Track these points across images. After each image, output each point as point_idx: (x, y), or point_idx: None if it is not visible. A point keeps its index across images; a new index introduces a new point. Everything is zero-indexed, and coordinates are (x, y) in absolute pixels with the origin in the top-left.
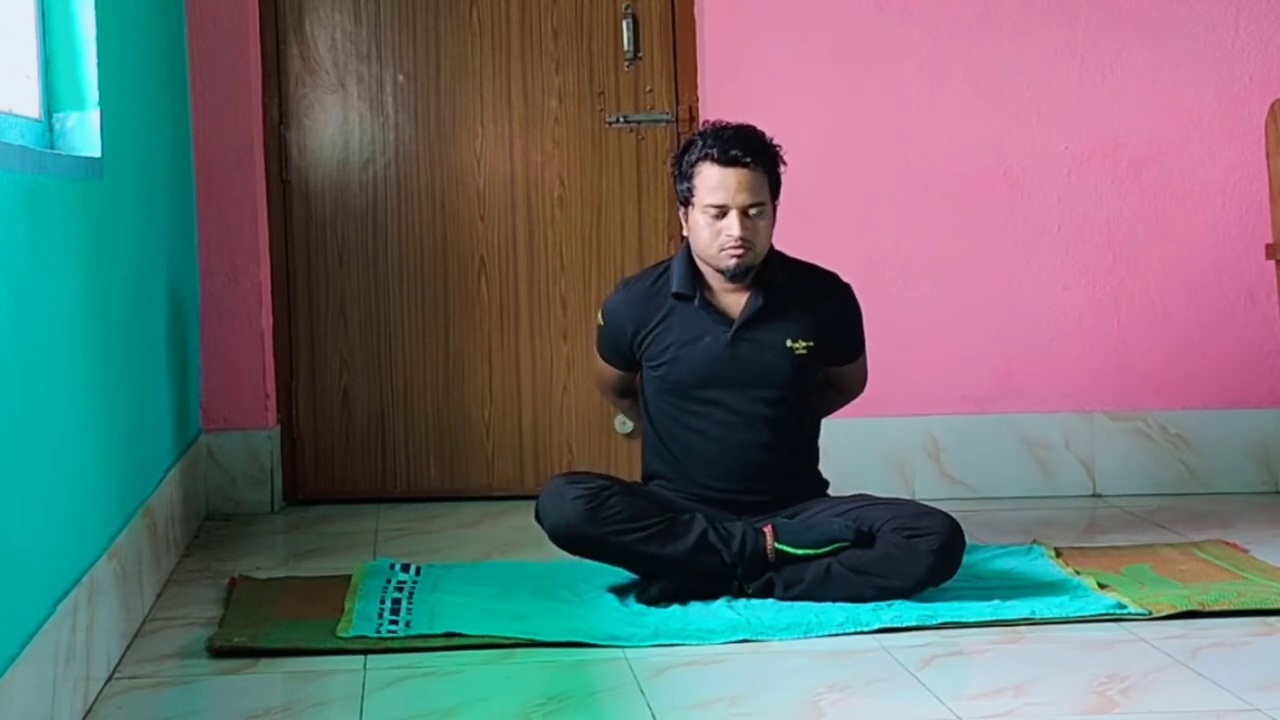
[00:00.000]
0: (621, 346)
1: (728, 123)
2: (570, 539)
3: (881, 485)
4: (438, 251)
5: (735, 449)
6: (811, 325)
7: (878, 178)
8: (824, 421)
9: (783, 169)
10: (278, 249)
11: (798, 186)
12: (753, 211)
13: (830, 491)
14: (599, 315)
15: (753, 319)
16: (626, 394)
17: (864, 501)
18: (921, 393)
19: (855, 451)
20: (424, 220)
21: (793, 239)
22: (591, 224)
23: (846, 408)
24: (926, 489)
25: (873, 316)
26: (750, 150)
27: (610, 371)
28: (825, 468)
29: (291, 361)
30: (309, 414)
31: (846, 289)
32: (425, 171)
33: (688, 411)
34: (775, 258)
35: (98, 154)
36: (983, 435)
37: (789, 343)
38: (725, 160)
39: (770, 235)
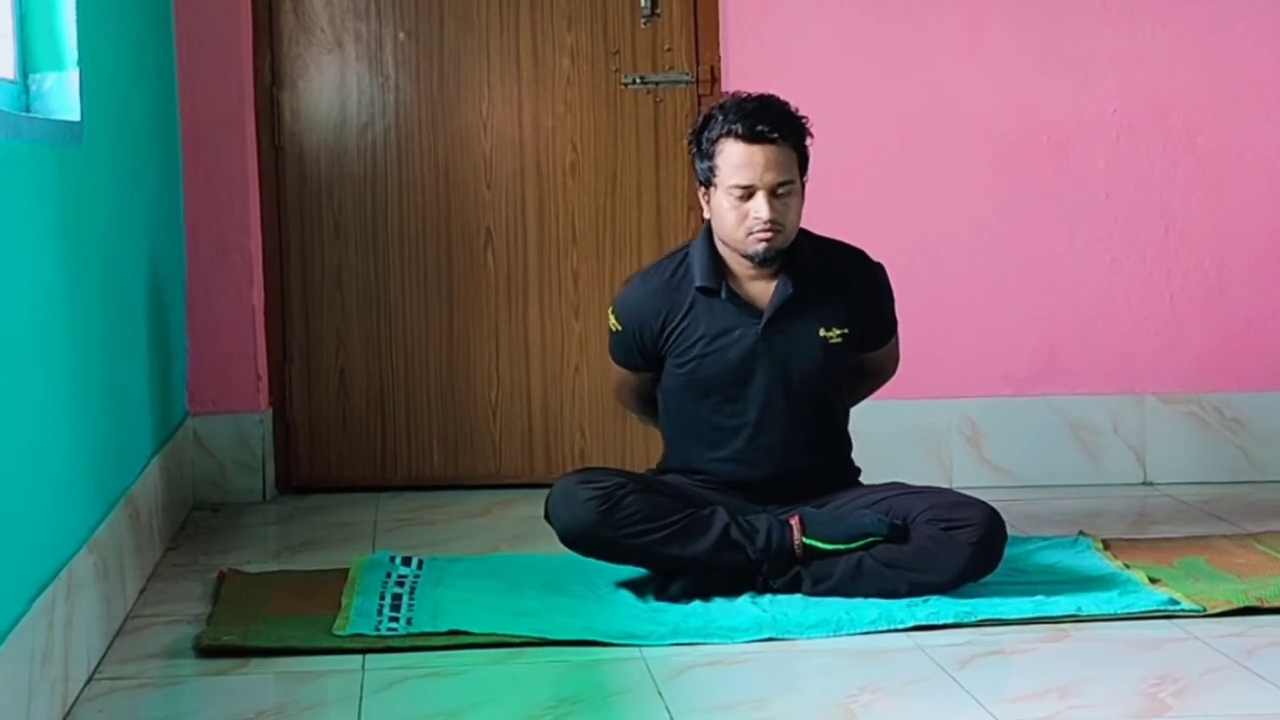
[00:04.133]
0: (646, 345)
1: (748, 93)
2: (583, 542)
3: (917, 472)
4: (441, 222)
5: (764, 449)
6: (844, 312)
7: (912, 143)
8: (855, 405)
9: (810, 141)
10: (269, 219)
11: (827, 153)
12: (781, 190)
13: (862, 479)
14: (612, 318)
15: (783, 309)
16: (653, 399)
17: (897, 490)
18: (959, 373)
19: (888, 436)
20: (426, 188)
21: (822, 210)
22: (606, 193)
23: (877, 390)
24: (964, 477)
25: (907, 292)
26: (777, 125)
27: (633, 377)
28: (856, 453)
29: (284, 340)
30: (303, 396)
31: (878, 269)
32: (428, 136)
33: (716, 410)
34: (803, 238)
35: (76, 117)
36: (1025, 419)
37: (822, 332)
38: (751, 136)
39: (800, 215)
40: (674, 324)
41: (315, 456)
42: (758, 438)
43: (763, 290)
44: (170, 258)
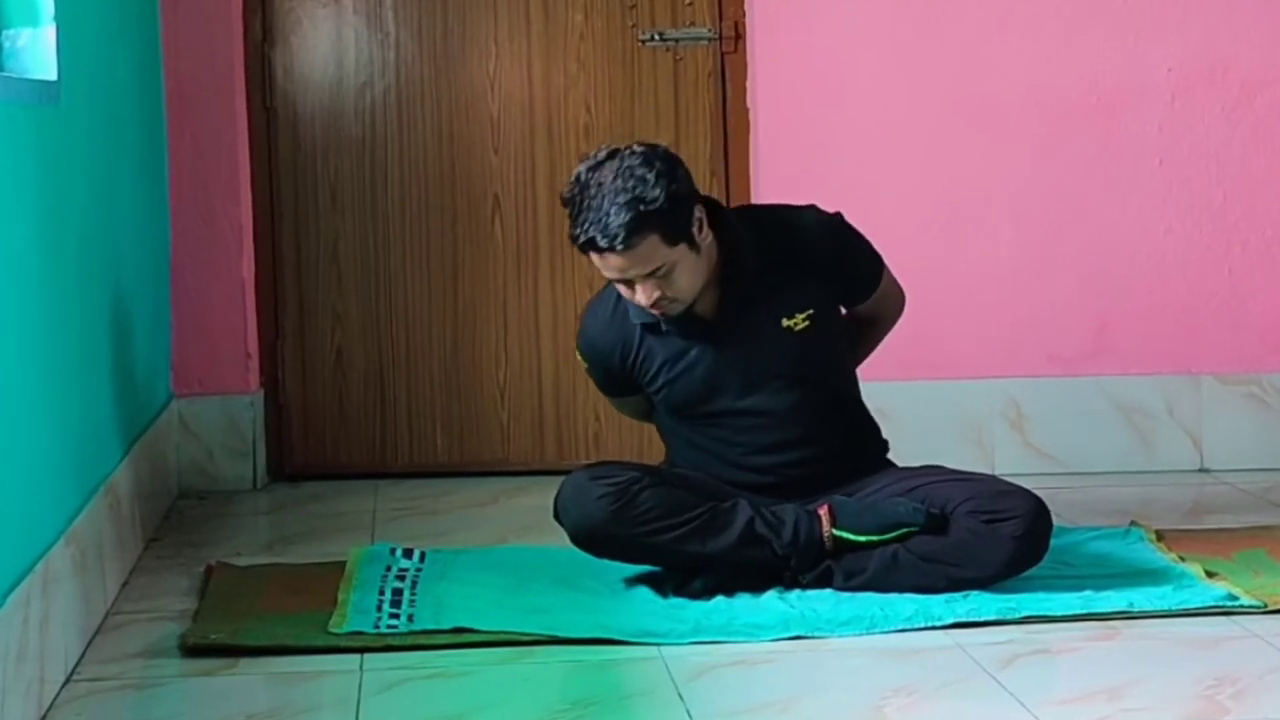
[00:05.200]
0: (616, 376)
1: (604, 158)
2: (595, 541)
3: (956, 458)
4: (445, 189)
5: (767, 450)
6: (802, 292)
7: (951, 106)
8: (888, 385)
9: (685, 192)
10: (260, 186)
11: (859, 118)
12: (658, 273)
13: (892, 455)
14: (579, 354)
15: (732, 315)
16: (650, 413)
17: (935, 476)
18: (1002, 352)
19: (925, 420)
20: (429, 153)
21: (854, 180)
22: None
23: (890, 332)
24: (1008, 462)
25: (946, 265)
26: (619, 235)
27: (623, 401)
28: (890, 438)
29: (276, 316)
30: (296, 377)
31: (824, 227)
32: (431, 97)
33: (708, 426)
34: (739, 227)
35: (53, 76)
36: (1072, 401)
37: (785, 322)
38: (594, 250)
39: (693, 275)
40: (632, 355)
41: (310, 441)
42: (758, 443)
43: (707, 302)
44: (154, 228)
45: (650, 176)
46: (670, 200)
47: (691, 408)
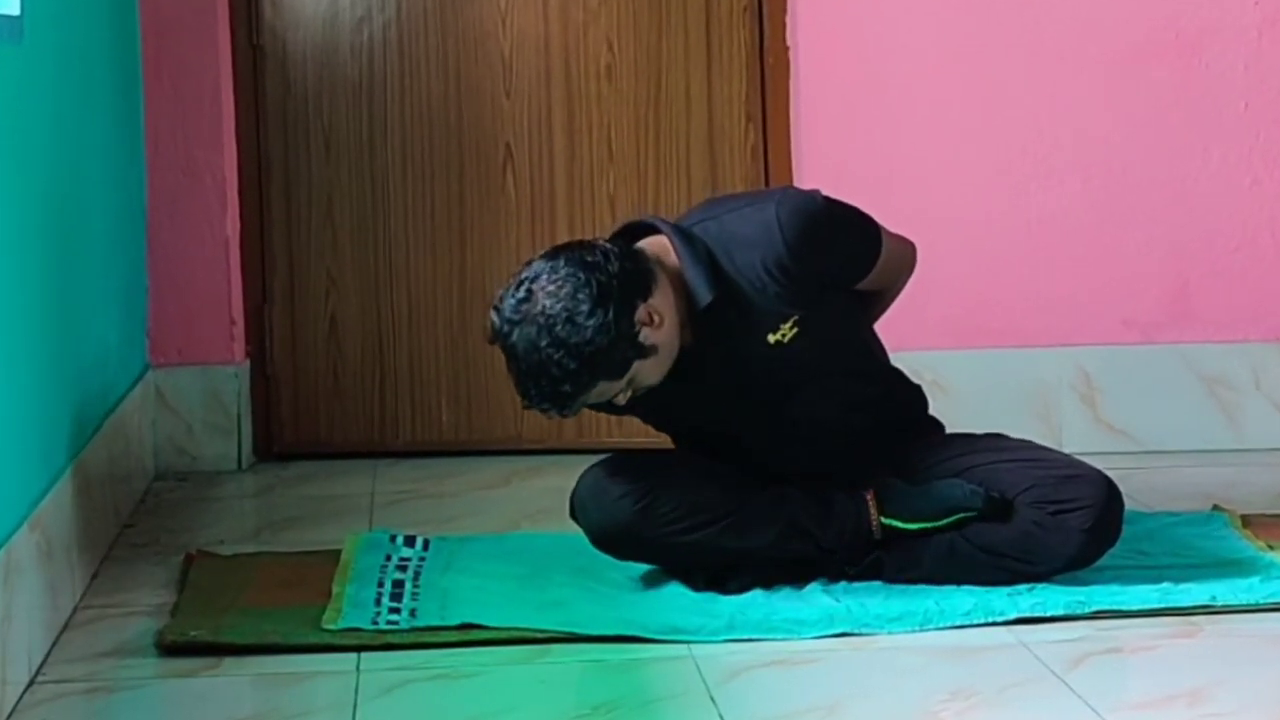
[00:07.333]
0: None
1: (515, 319)
2: (618, 543)
3: (1020, 435)
4: (452, 137)
5: (789, 461)
6: (780, 299)
7: (1014, 42)
8: (943, 354)
9: (615, 330)
10: (246, 134)
11: (911, 58)
12: (622, 392)
13: (933, 412)
14: None
15: (711, 346)
16: None
17: (992, 455)
18: (1071, 317)
19: (987, 391)
20: (434, 97)
21: (904, 126)
22: (648, 101)
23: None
24: (1077, 439)
25: (1007, 220)
26: (566, 407)
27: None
28: (947, 410)
29: (264, 278)
30: (286, 346)
31: (791, 220)
32: (436, 33)
33: (719, 451)
34: (684, 258)
35: (15, 11)
36: (1149, 371)
37: (771, 339)
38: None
39: (655, 368)
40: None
41: (300, 417)
42: (778, 453)
43: (685, 335)
44: (128, 180)
45: (573, 339)
46: (595, 357)
47: (696, 440)
